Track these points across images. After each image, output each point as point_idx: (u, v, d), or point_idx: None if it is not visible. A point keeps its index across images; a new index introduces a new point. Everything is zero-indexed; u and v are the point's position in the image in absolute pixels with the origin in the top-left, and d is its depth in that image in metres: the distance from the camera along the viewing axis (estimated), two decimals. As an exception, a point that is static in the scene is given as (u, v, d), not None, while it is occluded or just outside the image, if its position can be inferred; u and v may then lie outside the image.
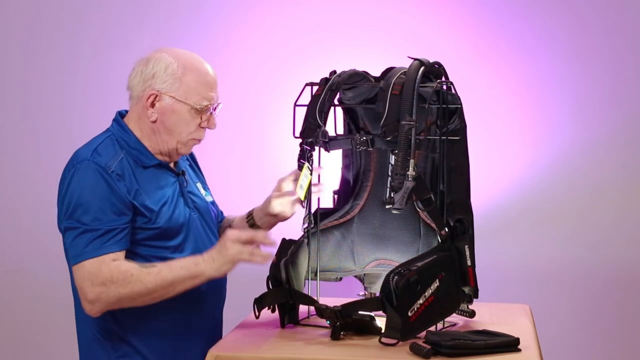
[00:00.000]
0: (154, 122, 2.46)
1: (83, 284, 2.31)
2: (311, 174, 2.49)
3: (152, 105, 2.45)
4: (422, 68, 2.37)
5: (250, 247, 2.31)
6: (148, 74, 2.45)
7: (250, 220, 2.68)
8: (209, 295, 2.51)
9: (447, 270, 2.32)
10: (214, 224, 2.61)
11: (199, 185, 2.62)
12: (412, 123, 2.28)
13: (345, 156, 2.67)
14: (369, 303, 2.38)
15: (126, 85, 2.51)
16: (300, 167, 2.50)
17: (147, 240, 2.40)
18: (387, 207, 2.30)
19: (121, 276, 2.30)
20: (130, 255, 2.38)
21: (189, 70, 2.45)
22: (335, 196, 2.70)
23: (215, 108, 2.49)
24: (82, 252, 2.32)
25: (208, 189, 2.68)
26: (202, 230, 2.52)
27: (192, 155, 2.70)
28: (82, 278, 2.32)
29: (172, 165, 2.54)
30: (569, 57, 3.50)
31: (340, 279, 2.66)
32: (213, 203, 2.66)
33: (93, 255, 2.31)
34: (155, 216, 2.41)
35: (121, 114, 2.53)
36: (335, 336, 2.32)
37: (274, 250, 2.41)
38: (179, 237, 2.45)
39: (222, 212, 2.75)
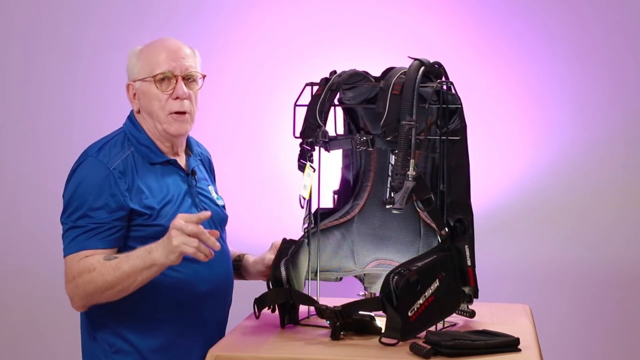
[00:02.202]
0: (139, 112, 2.50)
1: (64, 280, 2.36)
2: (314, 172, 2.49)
3: (135, 96, 2.50)
4: (422, 68, 2.37)
5: (196, 241, 2.23)
6: (127, 71, 2.52)
7: (238, 263, 2.67)
8: (211, 296, 2.50)
9: (447, 270, 2.32)
10: (222, 228, 2.60)
11: (210, 188, 2.62)
12: (412, 123, 2.28)
13: (345, 156, 2.67)
14: (369, 303, 2.38)
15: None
16: (300, 167, 2.49)
17: (150, 238, 2.36)
18: (387, 207, 2.30)
19: (85, 271, 2.31)
20: None
21: (148, 48, 2.50)
22: (335, 196, 2.70)
23: (186, 78, 2.48)
24: (65, 248, 2.37)
25: (219, 195, 2.67)
26: None
27: (210, 163, 2.71)
28: (64, 274, 2.36)
29: (182, 164, 2.54)
30: (569, 57, 3.50)
31: (341, 279, 2.66)
32: (223, 207, 2.65)
33: (71, 251, 2.35)
34: (156, 214, 2.41)
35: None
36: (335, 336, 2.32)
37: (214, 248, 2.29)
38: None
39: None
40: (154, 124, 2.49)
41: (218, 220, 2.57)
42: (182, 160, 2.56)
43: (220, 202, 2.62)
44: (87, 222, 2.35)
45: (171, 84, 2.47)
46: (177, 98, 2.46)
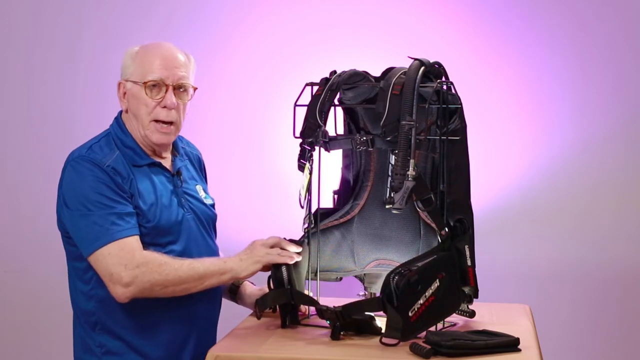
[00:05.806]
0: (127, 111, 2.49)
1: (114, 268, 2.30)
2: (311, 174, 2.49)
3: (124, 95, 2.48)
4: (422, 68, 2.37)
5: (278, 249, 2.42)
6: (121, 69, 2.51)
7: (235, 287, 2.66)
8: (204, 295, 2.48)
9: (447, 270, 2.32)
10: (211, 227, 2.60)
11: (198, 187, 2.60)
12: (412, 123, 2.28)
13: (345, 156, 2.67)
14: (370, 303, 2.38)
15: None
16: (300, 167, 2.49)
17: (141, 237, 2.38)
18: (387, 207, 2.30)
19: (156, 262, 2.32)
20: None
21: (144, 51, 2.47)
22: (335, 196, 2.70)
23: (177, 87, 2.45)
24: (101, 235, 2.32)
25: (208, 193, 2.65)
26: (197, 232, 2.51)
27: (200, 162, 2.69)
28: (111, 263, 2.31)
29: (167, 165, 2.53)
30: (569, 57, 3.50)
31: (341, 279, 2.66)
32: (213, 206, 2.64)
33: (118, 237, 2.32)
34: (145, 215, 2.40)
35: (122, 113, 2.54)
36: (335, 336, 2.32)
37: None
38: (168, 237, 2.44)
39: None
40: (138, 127, 2.47)
41: (206, 219, 2.56)
42: (167, 162, 2.54)
43: (208, 201, 2.61)
44: (112, 210, 2.34)
45: (161, 91, 2.44)
46: (164, 107, 2.45)
